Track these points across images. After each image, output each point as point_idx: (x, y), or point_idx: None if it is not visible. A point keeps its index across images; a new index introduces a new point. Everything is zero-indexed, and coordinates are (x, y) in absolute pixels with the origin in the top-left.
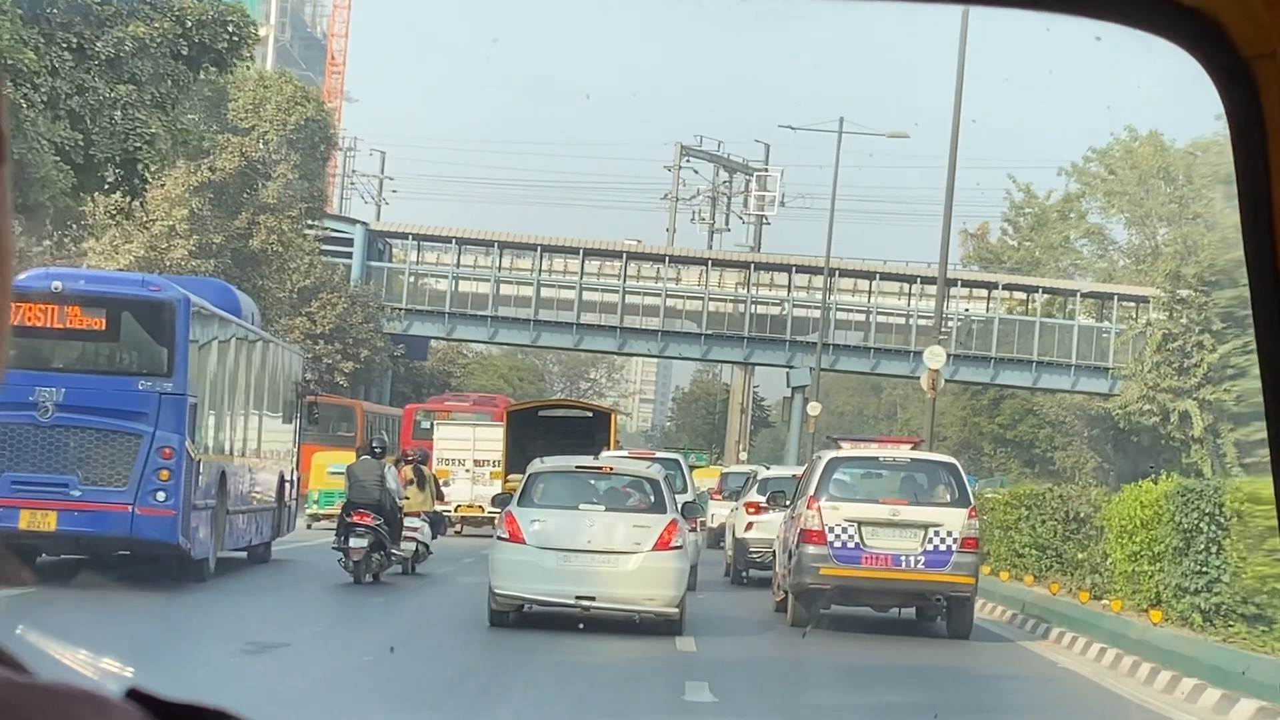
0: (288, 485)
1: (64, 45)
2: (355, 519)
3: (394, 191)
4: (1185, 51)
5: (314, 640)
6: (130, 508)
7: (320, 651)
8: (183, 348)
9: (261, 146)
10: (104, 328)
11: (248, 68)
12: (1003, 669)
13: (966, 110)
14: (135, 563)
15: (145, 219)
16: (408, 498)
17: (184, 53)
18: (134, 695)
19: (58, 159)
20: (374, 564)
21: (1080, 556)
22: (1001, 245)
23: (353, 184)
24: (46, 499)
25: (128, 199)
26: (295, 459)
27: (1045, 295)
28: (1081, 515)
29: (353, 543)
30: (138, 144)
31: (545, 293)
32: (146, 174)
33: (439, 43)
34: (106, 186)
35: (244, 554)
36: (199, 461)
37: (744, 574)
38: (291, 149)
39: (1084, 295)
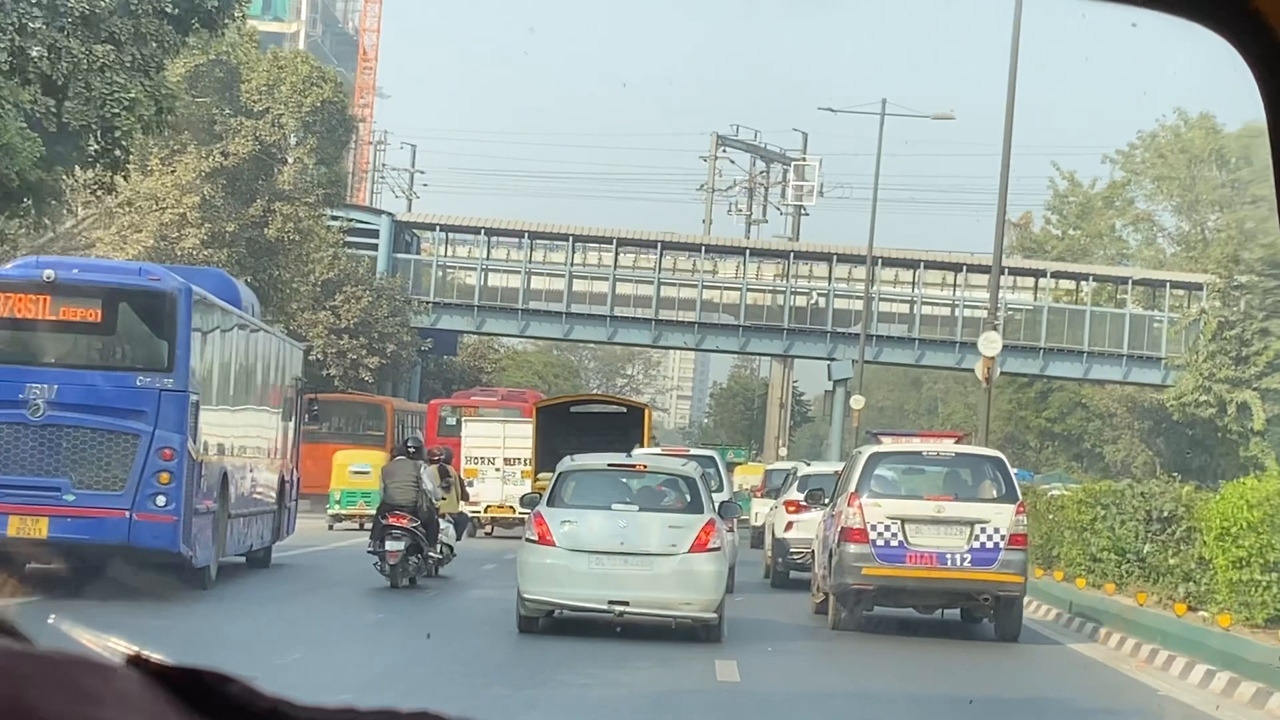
0: (288, 486)
1: (32, 0)
2: (391, 521)
3: (425, 185)
4: (1221, 38)
5: (296, 667)
6: (128, 513)
7: (304, 681)
8: (184, 341)
9: (276, 130)
10: (99, 320)
11: (239, 29)
12: (1098, 699)
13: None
14: (132, 572)
15: (129, 195)
16: (444, 498)
17: (169, 10)
18: (135, 661)
19: (23, 125)
20: (411, 567)
21: (1172, 562)
22: (1045, 234)
23: (383, 178)
24: (37, 504)
25: (108, 173)
26: (295, 458)
27: (1094, 284)
28: (1165, 514)
29: (389, 545)
30: (115, 110)
31: (578, 286)
32: (127, 143)
33: (471, 35)
34: (88, 159)
35: (242, 559)
36: (201, 463)
37: (786, 575)
38: (308, 132)
39: (1135, 283)
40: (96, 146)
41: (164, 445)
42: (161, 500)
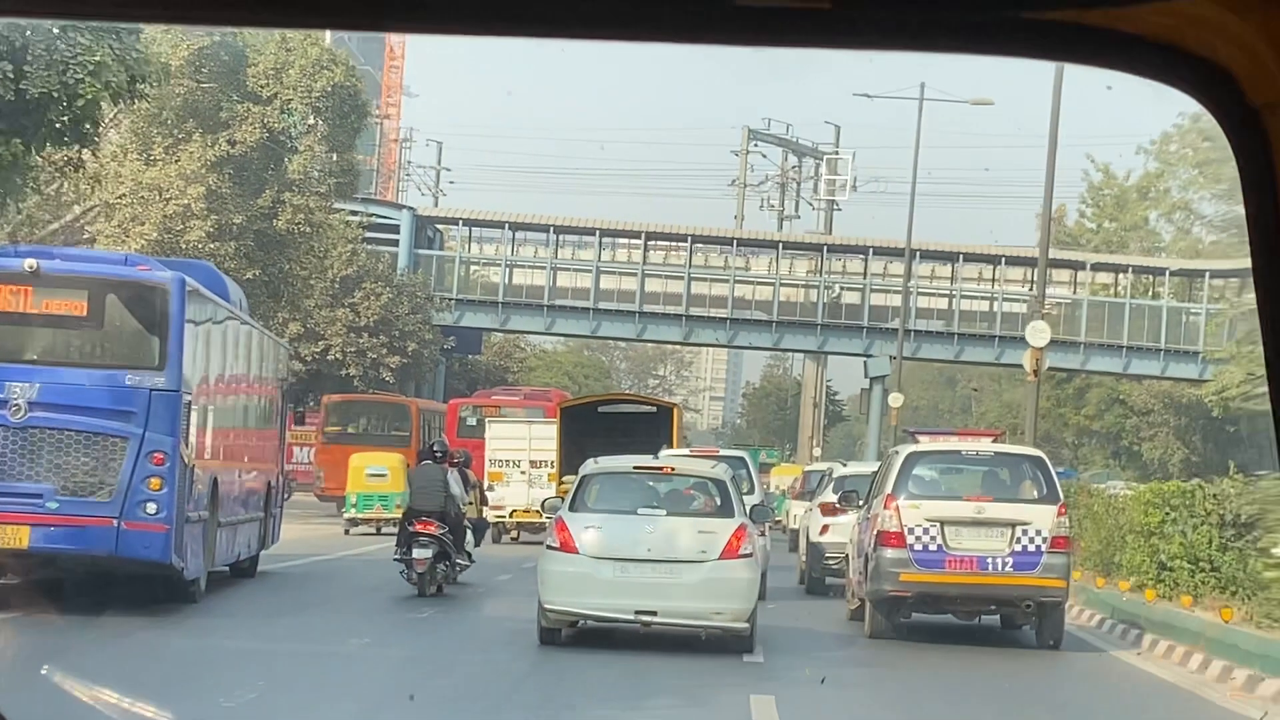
0: (274, 492)
1: None
2: (419, 528)
3: (451, 183)
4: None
5: (253, 708)
6: (116, 522)
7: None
8: (177, 337)
9: (285, 117)
10: (85, 314)
11: None
12: None
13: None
14: (117, 584)
15: (101, 171)
16: (471, 503)
17: None
18: None
19: None
20: (439, 575)
21: (1268, 575)
22: (1080, 228)
23: (408, 175)
24: (18, 511)
25: (76, 148)
26: (281, 462)
27: (1132, 275)
28: (1243, 519)
29: (416, 553)
30: (79, 75)
31: (606, 283)
32: (95, 113)
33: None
34: (55, 132)
35: (225, 569)
36: (192, 467)
37: (821, 581)
38: (318, 118)
39: (1173, 274)
40: (63, 118)
41: (155, 449)
42: (152, 508)
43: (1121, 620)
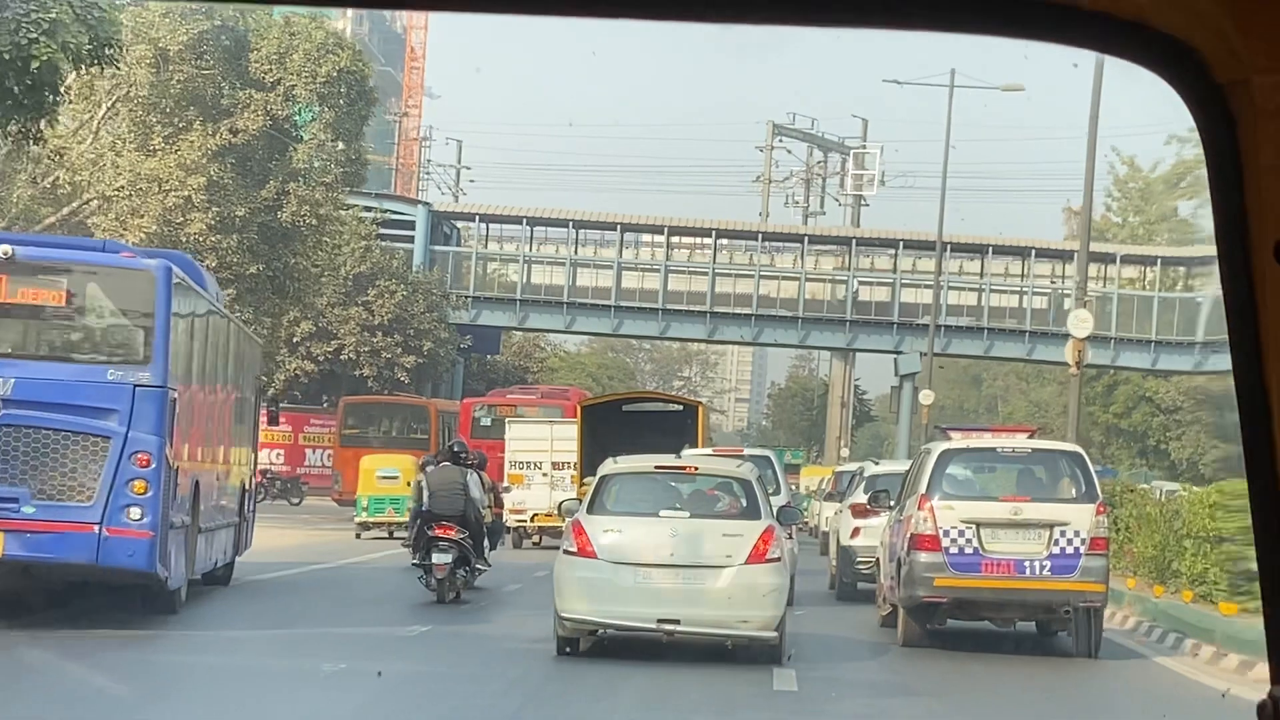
0: (248, 496)
1: None
2: (438, 532)
3: (471, 181)
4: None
5: None
6: (97, 528)
7: None
8: (163, 329)
9: (289, 104)
10: (64, 303)
11: None
12: None
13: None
14: (95, 594)
15: (62, 144)
16: (490, 506)
17: None
18: None
19: None
20: (458, 581)
21: None
22: (1105, 222)
23: (428, 174)
24: None
25: (33, 119)
26: (254, 464)
27: (1160, 268)
28: None
29: (436, 558)
30: (32, 34)
31: (628, 282)
32: (54, 79)
33: (518, 26)
34: (11, 104)
35: (198, 577)
36: (176, 470)
37: (853, 586)
38: (324, 105)
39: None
40: (19, 87)
41: (139, 449)
42: (136, 513)
43: (1189, 633)
